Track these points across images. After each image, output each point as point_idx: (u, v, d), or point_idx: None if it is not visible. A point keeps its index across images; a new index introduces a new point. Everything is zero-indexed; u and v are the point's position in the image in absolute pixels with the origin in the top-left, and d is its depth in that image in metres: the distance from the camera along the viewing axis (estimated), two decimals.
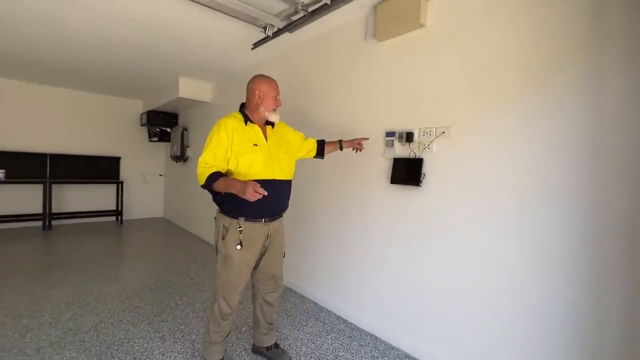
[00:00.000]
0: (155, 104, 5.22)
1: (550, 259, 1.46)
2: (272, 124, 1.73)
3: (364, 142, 2.07)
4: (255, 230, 1.62)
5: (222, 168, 1.56)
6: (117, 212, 5.70)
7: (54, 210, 5.15)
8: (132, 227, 5.39)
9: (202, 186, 1.55)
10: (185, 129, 5.25)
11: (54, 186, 5.13)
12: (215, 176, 1.51)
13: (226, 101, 4.24)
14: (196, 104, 4.79)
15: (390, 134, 2.13)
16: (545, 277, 1.47)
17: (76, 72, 4.25)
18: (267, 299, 1.82)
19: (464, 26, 1.79)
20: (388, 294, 2.15)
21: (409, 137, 2.00)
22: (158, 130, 5.72)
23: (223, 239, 1.61)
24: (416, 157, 1.98)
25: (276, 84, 1.73)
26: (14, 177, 4.80)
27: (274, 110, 1.69)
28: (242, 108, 1.72)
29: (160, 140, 5.75)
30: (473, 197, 1.73)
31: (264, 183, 1.46)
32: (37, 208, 5.06)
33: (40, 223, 5.02)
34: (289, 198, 1.78)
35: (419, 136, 1.98)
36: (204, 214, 4.72)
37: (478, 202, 1.70)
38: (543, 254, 1.48)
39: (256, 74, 1.78)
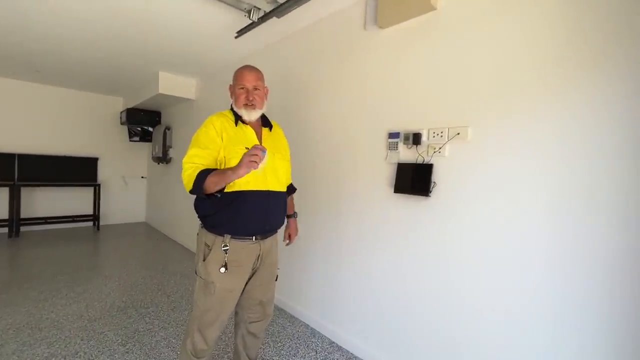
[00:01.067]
0: (136, 101, 4.85)
1: (595, 294, 1.18)
2: (270, 126, 1.49)
3: (292, 240, 1.70)
4: (244, 250, 1.35)
5: (210, 164, 1.31)
6: (94, 217, 5.28)
7: (23, 216, 4.73)
8: (109, 234, 4.99)
9: (190, 191, 1.27)
10: (168, 128, 4.89)
11: (23, 189, 4.71)
12: (204, 175, 1.24)
13: (212, 98, 3.91)
14: (179, 101, 4.44)
15: (393, 134, 1.84)
16: (590, 313, 1.20)
17: (48, 65, 3.86)
18: (251, 329, 1.53)
19: (485, 9, 1.51)
20: (393, 320, 1.85)
21: (415, 138, 1.71)
22: (139, 129, 5.34)
23: (204, 260, 1.33)
24: (424, 162, 1.69)
25: (249, 72, 1.41)
26: None
27: (245, 105, 1.38)
28: (231, 105, 1.48)
29: (142, 140, 5.37)
30: (494, 212, 1.45)
31: (253, 195, 1.30)
32: (3, 213, 4.63)
33: (6, 230, 4.59)
34: (285, 212, 1.54)
35: (427, 138, 1.69)
36: (187, 219, 4.37)
37: (501, 218, 1.42)
38: (586, 286, 1.20)
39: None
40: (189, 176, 1.27)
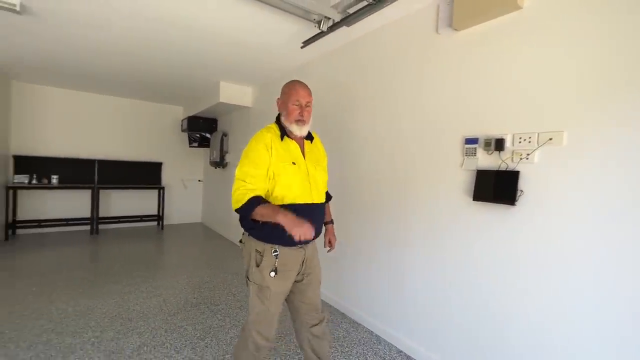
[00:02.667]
0: (196, 109, 5.20)
1: None
2: (311, 138, 1.53)
3: (332, 246, 1.70)
4: (291, 256, 1.42)
5: (264, 189, 1.35)
6: (159, 217, 5.75)
7: (100, 215, 5.29)
8: (172, 233, 5.39)
9: (236, 210, 1.32)
10: (224, 135, 5.18)
11: (100, 191, 5.26)
12: (254, 202, 1.28)
13: (266, 105, 4.07)
14: (236, 109, 4.68)
15: (471, 140, 1.78)
16: None
17: (119, 79, 4.30)
18: (315, 332, 1.56)
19: (574, 7, 1.41)
20: (472, 333, 1.78)
21: (498, 144, 1.63)
22: (198, 136, 5.71)
23: (258, 265, 1.39)
24: (508, 169, 1.61)
25: (301, 88, 1.43)
26: (65, 183, 4.98)
27: (297, 121, 1.41)
28: (278, 119, 1.50)
29: (200, 145, 5.74)
30: (593, 225, 1.33)
31: (302, 208, 1.35)
32: (86, 212, 5.22)
33: (88, 227, 5.16)
34: (323, 221, 1.59)
35: (512, 143, 1.61)
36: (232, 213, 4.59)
37: (600, 233, 1.31)
38: None
39: (297, 77, 1.53)
40: (241, 195, 1.30)
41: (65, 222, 5.02)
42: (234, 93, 4.29)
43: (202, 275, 3.36)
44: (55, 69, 3.99)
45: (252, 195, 1.29)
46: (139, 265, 3.62)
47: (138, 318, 2.40)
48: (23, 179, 4.64)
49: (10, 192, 4.62)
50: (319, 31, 2.18)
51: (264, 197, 1.33)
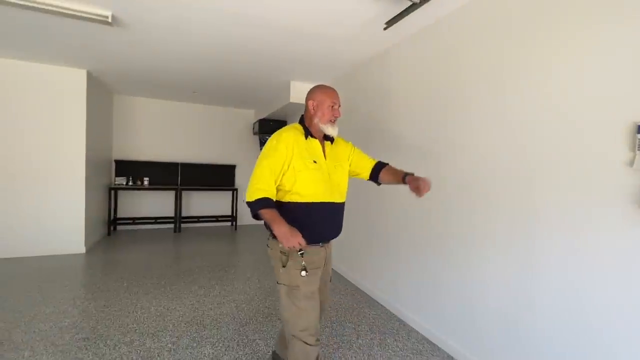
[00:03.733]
0: (266, 112, 5.23)
1: None
2: (332, 140, 1.55)
3: (425, 192, 1.42)
4: (316, 253, 1.46)
5: (274, 193, 1.39)
6: (232, 218, 5.96)
7: (182, 214, 5.69)
8: (244, 233, 5.52)
9: (247, 202, 1.37)
10: None
11: (182, 192, 5.66)
12: (264, 202, 1.34)
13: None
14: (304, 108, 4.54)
15: None
16: None
17: (199, 85, 4.51)
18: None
19: None
20: None
21: None
22: (268, 138, 5.77)
23: (284, 266, 1.41)
24: None
25: (334, 92, 1.53)
26: (154, 184, 5.46)
27: (331, 121, 1.49)
28: (302, 120, 1.55)
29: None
30: None
31: (322, 206, 1.42)
32: (170, 212, 5.65)
33: (172, 225, 5.58)
34: (341, 222, 1.58)
35: None
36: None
37: None
38: None
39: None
40: (254, 192, 1.35)
41: (153, 221, 5.50)
42: (304, 92, 4.13)
43: (272, 281, 3.25)
44: (144, 79, 4.35)
45: (261, 195, 1.34)
46: (214, 266, 3.68)
47: (212, 326, 2.33)
48: (122, 180, 5.21)
49: (113, 192, 5.23)
50: (410, 3, 1.81)
51: (272, 198, 1.36)
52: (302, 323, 1.38)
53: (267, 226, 1.38)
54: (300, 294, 1.38)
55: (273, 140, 1.41)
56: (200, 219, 5.88)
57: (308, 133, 1.47)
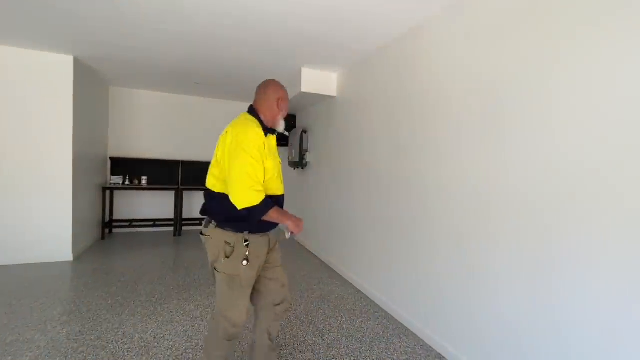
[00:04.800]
0: None
1: None
2: (276, 134, 1.61)
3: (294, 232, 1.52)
4: (259, 243, 1.48)
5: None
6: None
7: (183, 216, 5.27)
8: None
9: (255, 206, 1.32)
10: (304, 132, 4.61)
11: (183, 192, 5.24)
12: (269, 204, 1.37)
13: (354, 94, 3.32)
14: (318, 100, 4.05)
15: None
16: None
17: (201, 74, 4.05)
18: (278, 311, 1.60)
19: None
20: None
21: None
22: (276, 134, 5.29)
23: (227, 257, 1.41)
24: None
25: (284, 89, 1.61)
26: (153, 184, 5.04)
27: (282, 117, 1.59)
28: (255, 114, 1.51)
29: (278, 145, 5.27)
30: None
31: (281, 199, 1.55)
32: (170, 213, 5.23)
33: (171, 229, 5.16)
34: None
35: None
36: (323, 227, 3.92)
37: None
38: None
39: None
40: (254, 196, 1.32)
41: (152, 223, 5.08)
42: (317, 81, 3.66)
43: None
44: (141, 69, 3.91)
45: (264, 196, 1.35)
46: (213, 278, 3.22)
47: None
48: (118, 180, 4.79)
49: (108, 192, 4.83)
50: None
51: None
52: (233, 309, 1.43)
53: (218, 214, 1.44)
54: (238, 282, 1.42)
55: (251, 137, 1.34)
56: (203, 221, 5.44)
57: (266, 129, 1.47)
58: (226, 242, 1.40)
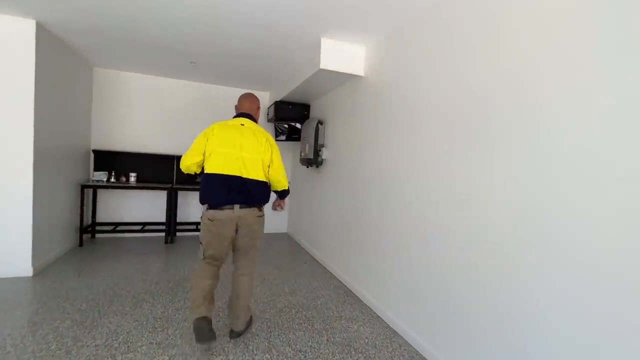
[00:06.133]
0: (286, 89, 4.00)
1: None
2: None
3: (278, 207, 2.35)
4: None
5: None
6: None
7: (178, 220, 4.56)
8: None
9: (286, 189, 2.16)
10: (320, 123, 3.84)
11: (178, 192, 4.53)
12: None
13: (392, 73, 2.53)
14: (339, 82, 3.27)
15: None
16: None
17: (200, 54, 3.32)
18: (236, 268, 2.09)
19: None
20: None
21: None
22: (286, 126, 4.54)
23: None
24: None
25: None
26: (143, 182, 4.34)
27: None
28: (254, 120, 2.10)
29: (289, 139, 4.55)
30: None
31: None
32: (161, 216, 4.53)
33: (163, 234, 4.44)
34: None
35: None
36: (344, 241, 3.14)
37: None
38: None
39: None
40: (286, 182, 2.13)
41: (141, 227, 4.38)
42: (339, 56, 2.88)
43: (284, 337, 2.02)
44: (130, 44, 3.20)
45: None
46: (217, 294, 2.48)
47: None
48: (102, 176, 4.10)
49: (89, 191, 4.15)
50: None
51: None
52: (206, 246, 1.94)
53: (259, 203, 1.97)
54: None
55: (274, 141, 2.08)
56: (199, 226, 4.73)
57: None
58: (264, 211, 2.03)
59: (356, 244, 2.95)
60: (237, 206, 1.86)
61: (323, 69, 2.84)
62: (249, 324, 2.13)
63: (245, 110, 2.08)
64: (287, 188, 2.13)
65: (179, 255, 3.75)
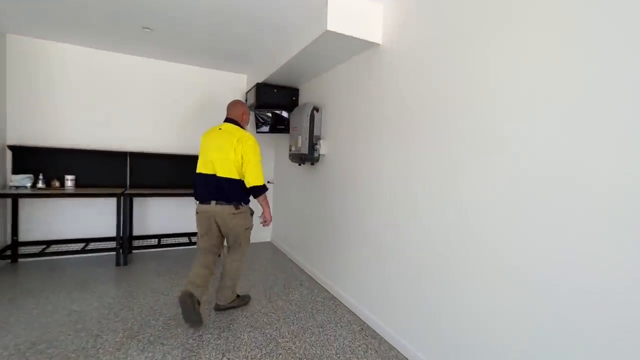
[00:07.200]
0: (270, 69, 3.19)
1: None
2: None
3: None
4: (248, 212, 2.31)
5: None
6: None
7: (134, 233, 3.63)
8: None
9: (261, 185, 2.15)
10: (315, 109, 3.09)
11: (134, 199, 3.60)
12: (265, 190, 2.22)
13: (419, 42, 1.86)
14: (346, 52, 2.53)
15: None
16: None
17: (150, 14, 2.43)
18: (226, 254, 2.38)
19: None
20: None
21: None
22: (269, 115, 3.73)
23: (247, 228, 2.27)
24: None
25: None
26: (84, 186, 3.36)
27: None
28: (240, 126, 2.29)
29: (273, 130, 3.75)
30: None
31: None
32: (111, 230, 3.57)
33: (114, 254, 3.47)
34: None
35: None
36: (352, 258, 2.44)
37: None
38: None
39: None
40: (262, 179, 2.17)
41: (82, 246, 3.39)
42: (350, 15, 2.15)
43: None
44: (64, 5, 2.25)
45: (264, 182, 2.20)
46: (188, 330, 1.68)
47: None
48: (24, 181, 3.07)
49: (6, 201, 3.11)
50: None
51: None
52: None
53: (241, 197, 2.18)
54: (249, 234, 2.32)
55: (257, 145, 2.19)
56: (164, 239, 3.82)
57: None
58: (250, 214, 2.29)
59: (377, 263, 2.26)
60: (213, 202, 2.12)
61: (331, 32, 2.09)
62: (234, 304, 2.36)
63: (230, 116, 2.30)
64: (258, 185, 2.11)
65: (136, 282, 2.85)
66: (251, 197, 2.23)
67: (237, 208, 2.14)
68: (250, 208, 2.32)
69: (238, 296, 2.43)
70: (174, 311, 2.33)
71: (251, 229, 2.31)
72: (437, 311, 1.74)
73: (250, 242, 2.44)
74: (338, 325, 2.27)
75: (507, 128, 1.41)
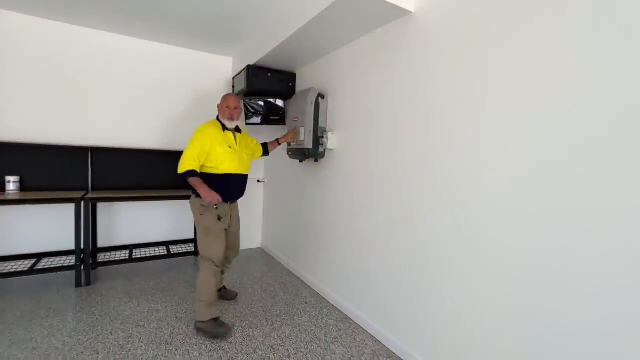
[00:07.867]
0: (264, 49, 2.68)
1: None
2: (240, 131, 2.25)
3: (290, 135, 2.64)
4: (224, 208, 2.11)
5: (198, 167, 2.02)
6: (196, 242, 3.36)
7: (99, 245, 3.03)
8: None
9: (180, 174, 2.00)
10: (321, 96, 2.63)
11: (98, 204, 2.99)
12: (191, 173, 1.99)
13: (467, 10, 1.46)
14: (368, 24, 2.08)
15: None
16: None
17: None
18: (228, 261, 2.40)
19: None
20: None
21: None
22: (261, 104, 3.21)
23: (201, 215, 2.05)
24: None
25: (228, 97, 2.15)
26: (32, 189, 2.72)
27: (228, 118, 2.13)
28: (218, 118, 2.19)
29: (266, 121, 3.24)
30: None
31: (235, 176, 2.13)
32: (69, 242, 2.94)
33: (73, 272, 2.83)
34: (245, 187, 2.26)
35: None
36: (372, 274, 2.02)
37: None
38: None
39: None
40: (187, 166, 1.98)
41: (32, 264, 2.74)
42: None
43: None
44: None
45: (189, 168, 1.98)
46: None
47: None
48: None
49: None
50: None
51: (198, 171, 2.02)
52: (212, 251, 2.04)
53: (193, 190, 2.05)
54: (212, 232, 2.05)
55: (199, 134, 2.03)
56: (137, 251, 3.22)
57: (224, 127, 2.13)
58: (202, 205, 2.05)
59: (399, 278, 1.86)
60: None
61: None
62: (204, 327, 2.04)
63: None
64: (180, 172, 2.01)
65: (102, 309, 2.27)
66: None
67: (195, 197, 2.10)
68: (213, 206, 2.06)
69: (214, 320, 2.05)
70: (153, 352, 1.81)
71: (214, 229, 2.06)
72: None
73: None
74: (315, 314, 1.85)
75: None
